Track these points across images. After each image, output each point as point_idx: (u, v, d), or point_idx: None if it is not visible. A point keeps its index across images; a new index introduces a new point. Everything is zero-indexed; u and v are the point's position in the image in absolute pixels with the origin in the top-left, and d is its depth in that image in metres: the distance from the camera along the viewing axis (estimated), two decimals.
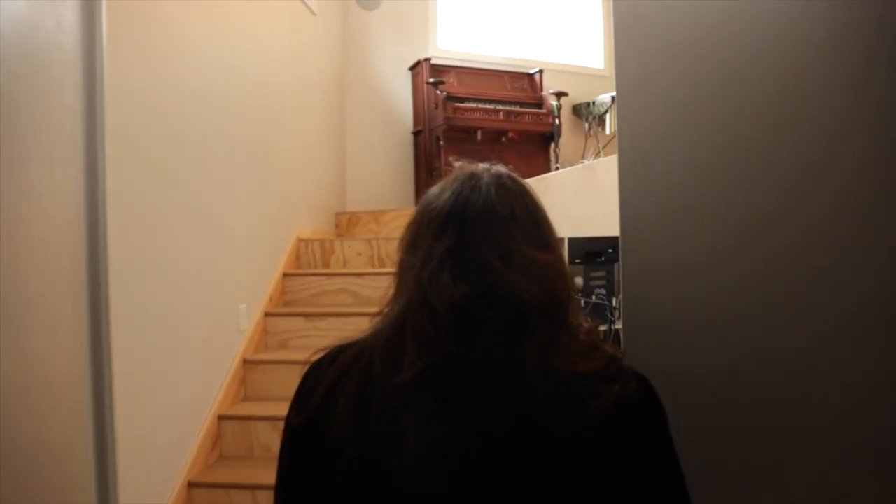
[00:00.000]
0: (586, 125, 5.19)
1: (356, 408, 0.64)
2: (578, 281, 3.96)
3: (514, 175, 0.81)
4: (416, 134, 4.83)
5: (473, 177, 0.76)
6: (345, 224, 4.30)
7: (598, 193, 3.91)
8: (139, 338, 1.98)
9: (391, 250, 3.51)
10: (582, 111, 5.16)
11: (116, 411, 1.03)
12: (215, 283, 2.53)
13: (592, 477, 0.61)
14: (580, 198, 3.82)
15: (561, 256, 0.76)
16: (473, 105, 4.47)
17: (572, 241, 3.95)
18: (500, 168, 0.81)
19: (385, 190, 4.81)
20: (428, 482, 0.61)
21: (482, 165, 0.80)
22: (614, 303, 4.06)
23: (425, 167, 4.66)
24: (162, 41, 2.22)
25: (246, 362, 2.73)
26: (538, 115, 4.64)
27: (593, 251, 4.41)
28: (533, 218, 0.75)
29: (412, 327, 0.66)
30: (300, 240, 3.57)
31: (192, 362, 2.30)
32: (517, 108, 4.62)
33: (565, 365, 0.62)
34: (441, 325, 0.64)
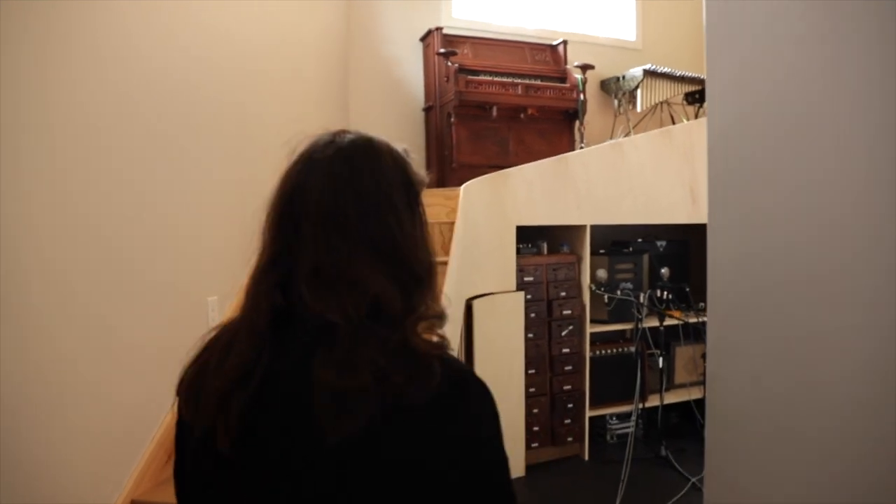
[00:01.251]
0: (615, 102, 4.82)
1: (194, 393, 0.72)
2: (602, 274, 3.59)
3: (364, 144, 0.80)
4: (427, 111, 4.51)
5: (312, 153, 0.79)
6: None
7: (626, 175, 3.54)
8: (80, 342, 1.72)
9: None
10: (611, 86, 4.79)
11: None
12: (179, 274, 2.24)
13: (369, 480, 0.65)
14: (605, 180, 3.46)
15: (407, 251, 0.75)
16: (489, 78, 4.13)
17: (595, 228, 3.57)
18: (348, 137, 0.81)
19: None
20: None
21: (325, 136, 0.81)
22: (642, 299, 3.67)
23: (436, 147, 4.34)
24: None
25: None
26: (561, 89, 4.27)
27: (619, 241, 4.04)
28: (367, 210, 0.74)
29: (240, 329, 0.73)
30: None
31: (145, 365, 2.01)
32: (538, 82, 4.26)
33: (341, 376, 0.64)
34: (258, 332, 0.71)
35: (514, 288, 3.19)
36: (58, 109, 1.76)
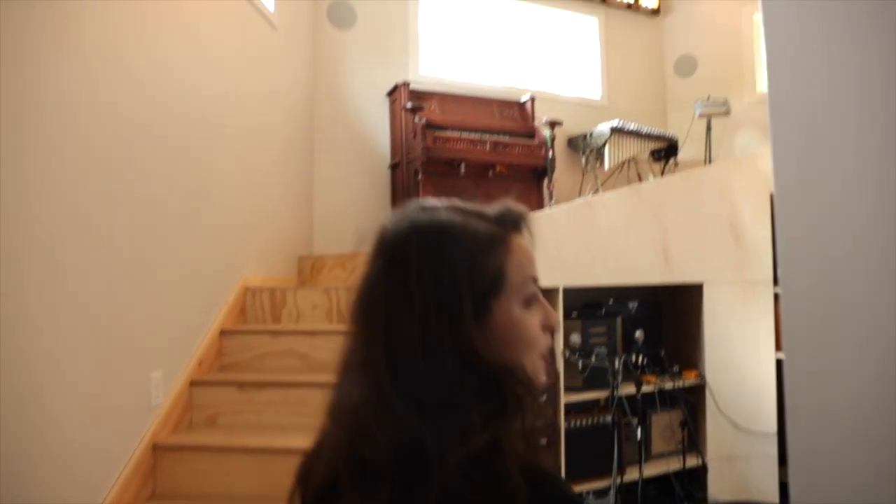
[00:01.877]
0: (583, 159, 4.82)
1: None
2: (576, 339, 3.49)
3: (419, 224, 0.71)
4: (394, 167, 4.43)
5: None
6: (308, 270, 3.84)
7: (597, 235, 3.49)
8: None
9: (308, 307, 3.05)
10: (578, 143, 4.81)
11: None
12: (119, 343, 2.05)
13: None
14: (576, 240, 3.40)
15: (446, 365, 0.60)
16: (456, 134, 4.09)
17: (567, 291, 3.49)
18: (412, 216, 0.73)
19: (348, 228, 4.36)
20: None
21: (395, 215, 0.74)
22: (617, 364, 3.58)
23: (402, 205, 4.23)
24: (78, 46, 1.81)
25: (156, 448, 2.22)
26: (529, 146, 4.26)
27: (592, 303, 3.96)
28: (417, 308, 0.61)
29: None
30: (247, 289, 3.10)
31: (68, 451, 1.80)
32: (506, 139, 4.24)
33: None
34: None
35: None
36: (27, 155, 1.61)
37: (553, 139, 4.28)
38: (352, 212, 4.39)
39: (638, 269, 3.58)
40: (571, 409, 3.48)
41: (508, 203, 0.74)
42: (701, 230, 3.75)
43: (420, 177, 4.00)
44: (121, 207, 2.11)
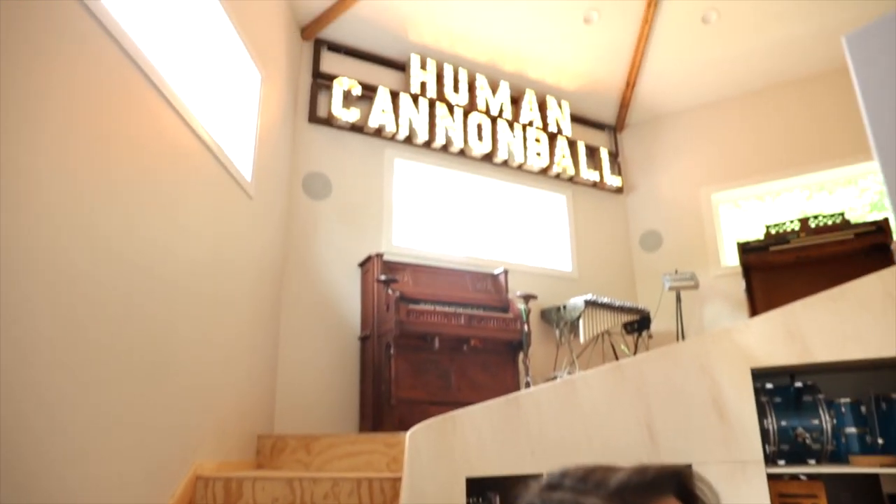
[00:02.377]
0: (557, 332, 4.80)
1: None
2: None
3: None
4: (364, 339, 4.33)
5: None
6: (268, 451, 3.54)
7: (580, 416, 3.34)
8: None
9: (320, 496, 2.75)
10: (552, 316, 4.82)
11: None
12: None
13: None
14: (559, 421, 3.24)
15: None
16: (430, 307, 4.06)
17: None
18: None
19: (322, 409, 4.14)
20: None
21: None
22: None
23: (373, 381, 4.08)
24: (45, 215, 1.75)
25: None
26: (504, 320, 4.23)
27: None
28: None
29: None
30: (198, 478, 2.80)
31: None
32: (480, 312, 4.22)
33: None
34: None
35: None
36: None
37: (528, 313, 4.28)
38: (318, 386, 4.19)
39: (624, 451, 3.40)
40: None
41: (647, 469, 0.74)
42: (685, 407, 3.65)
43: (392, 350, 3.89)
44: (66, 388, 1.93)
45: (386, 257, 4.39)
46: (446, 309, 4.15)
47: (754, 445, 3.71)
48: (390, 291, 4.02)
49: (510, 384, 4.31)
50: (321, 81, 4.81)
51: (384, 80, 5.06)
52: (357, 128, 4.86)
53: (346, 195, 4.70)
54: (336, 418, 4.16)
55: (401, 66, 5.18)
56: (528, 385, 4.07)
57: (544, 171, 5.58)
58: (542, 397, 3.29)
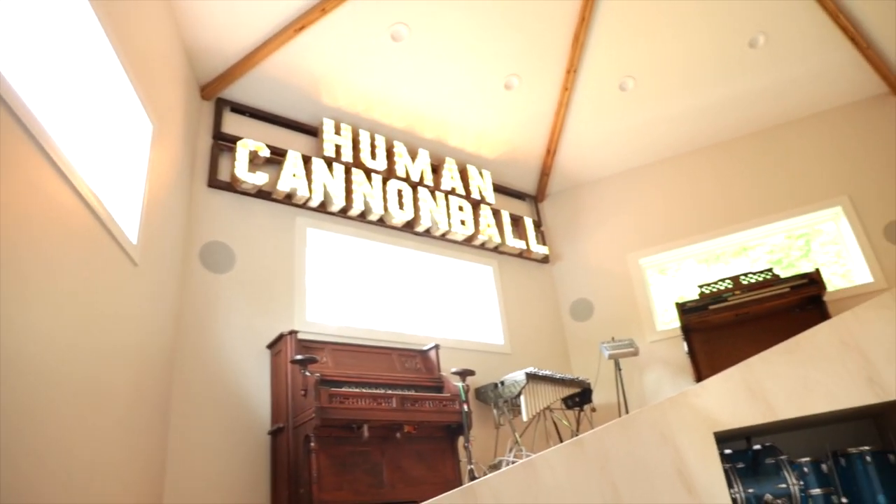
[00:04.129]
0: (495, 412, 4.35)
1: None
2: None
3: None
4: (276, 434, 3.69)
5: None
6: None
7: (544, 501, 2.87)
8: None
9: None
10: (488, 395, 4.39)
11: None
12: None
13: None
14: None
15: None
16: (356, 390, 3.53)
17: None
18: None
19: None
20: None
21: None
22: None
23: (288, 482, 3.43)
24: None
25: None
26: (441, 400, 3.77)
27: None
28: None
29: None
30: None
31: None
32: (412, 393, 3.71)
33: None
34: None
35: None
36: None
37: (467, 390, 3.82)
38: (218, 493, 3.45)
39: None
40: None
41: None
42: (651, 482, 3.27)
43: (313, 444, 3.28)
44: None
45: (301, 335, 3.84)
46: (375, 391, 3.62)
47: None
48: (308, 373, 3.45)
49: (450, 476, 3.77)
50: (223, 143, 4.35)
51: (295, 144, 4.68)
52: (265, 193, 4.39)
53: (251, 268, 4.15)
54: None
55: (313, 131, 4.83)
56: (472, 474, 3.55)
57: (469, 240, 5.30)
58: (500, 485, 2.80)
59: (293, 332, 3.77)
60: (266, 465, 3.71)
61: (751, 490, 3.55)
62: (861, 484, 3.55)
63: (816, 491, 3.60)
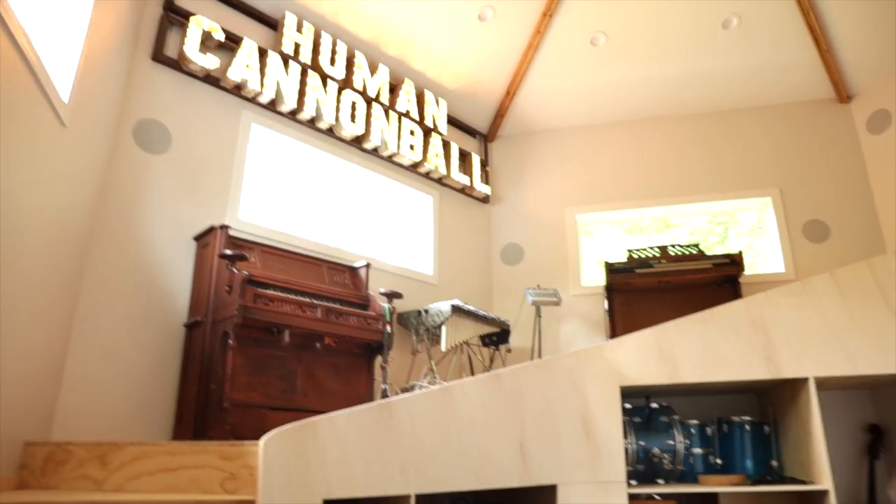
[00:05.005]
0: (414, 339, 4.37)
1: None
2: None
3: None
4: (192, 327, 3.54)
5: None
6: (40, 464, 2.64)
7: (456, 429, 2.93)
8: None
9: None
10: (410, 321, 4.39)
11: None
12: None
13: None
14: (434, 435, 2.80)
15: None
16: (283, 295, 3.42)
17: (420, 499, 2.78)
18: None
19: (127, 411, 3.29)
20: None
21: None
22: None
23: (199, 377, 3.33)
24: None
25: None
26: (366, 318, 3.73)
27: None
28: None
29: None
30: None
31: None
32: (338, 307, 3.65)
33: None
34: None
35: None
36: None
37: (392, 313, 3.80)
38: (123, 382, 3.33)
39: (497, 471, 3.04)
40: None
41: None
42: (556, 424, 3.40)
43: (231, 341, 3.18)
44: None
45: (232, 232, 3.68)
46: (301, 299, 3.53)
47: (618, 466, 3.56)
48: (235, 270, 3.32)
49: (363, 392, 3.79)
50: (173, 16, 3.98)
51: (252, 33, 4.35)
52: (212, 79, 4.08)
53: (187, 154, 3.89)
54: (145, 425, 3.31)
55: (273, 24, 4.50)
56: (384, 393, 3.58)
57: (415, 167, 5.18)
58: (416, 405, 2.82)
59: (225, 227, 3.59)
60: (178, 357, 3.59)
61: (642, 443, 3.77)
62: (736, 448, 3.84)
63: (698, 450, 3.87)
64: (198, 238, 3.76)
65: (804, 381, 3.68)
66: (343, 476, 2.43)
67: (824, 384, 3.98)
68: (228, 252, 3.35)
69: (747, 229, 5.42)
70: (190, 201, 3.85)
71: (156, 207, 3.70)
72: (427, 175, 5.32)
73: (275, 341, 3.41)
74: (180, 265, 3.71)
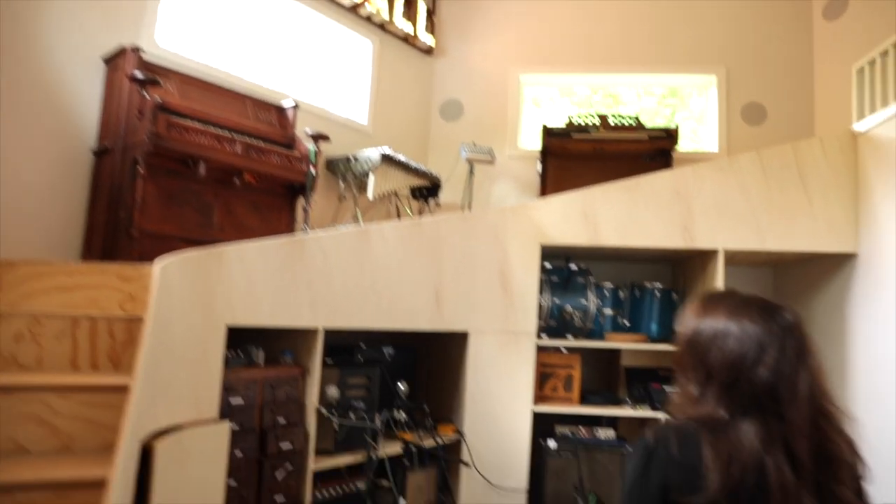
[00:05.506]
0: (342, 186, 4.27)
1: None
2: (333, 392, 2.84)
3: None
4: (101, 154, 3.34)
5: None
6: None
7: (370, 270, 2.94)
8: None
9: (9, 338, 1.97)
10: (339, 167, 4.28)
11: None
12: None
13: None
14: (347, 274, 2.81)
15: None
16: (199, 125, 3.22)
17: (329, 333, 2.85)
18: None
19: (28, 233, 3.13)
20: None
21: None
22: (377, 422, 3.01)
23: (107, 205, 3.18)
24: None
25: None
26: (289, 157, 3.60)
27: (340, 346, 3.36)
28: None
29: None
30: None
31: None
32: (261, 144, 3.48)
33: None
34: None
35: (215, 415, 2.23)
36: None
37: (318, 155, 3.67)
38: (24, 204, 3.15)
39: (410, 313, 3.12)
40: (319, 476, 2.79)
41: None
42: (473, 275, 3.47)
43: (141, 169, 3.02)
44: None
45: (146, 57, 3.36)
46: (220, 132, 3.34)
47: (530, 319, 3.72)
48: (147, 95, 3.07)
49: (283, 232, 3.73)
50: None
51: None
52: None
53: None
54: (48, 248, 3.18)
55: None
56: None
57: (355, 9, 4.80)
58: (330, 244, 2.78)
59: (136, 49, 3.29)
60: (86, 184, 3.40)
61: (557, 301, 3.93)
62: (644, 312, 4.06)
63: (609, 311, 4.08)
64: (108, 61, 3.43)
65: (714, 252, 3.85)
66: (249, 306, 2.42)
67: (734, 258, 4.18)
68: (139, 75, 3.08)
69: (695, 115, 5.39)
70: (100, 17, 3.46)
71: (63, 21, 3.31)
72: (368, 19, 4.94)
73: (190, 174, 3.26)
74: (87, 88, 3.40)
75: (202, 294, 2.22)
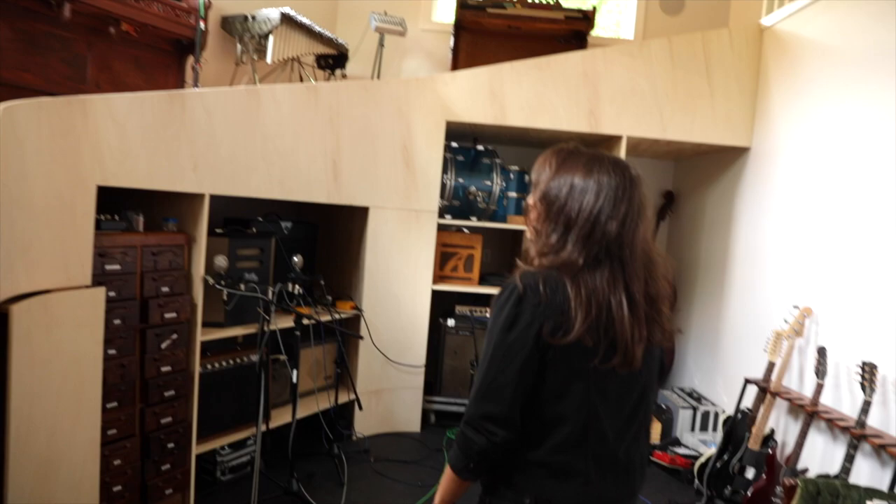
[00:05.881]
0: (239, 48, 3.93)
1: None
2: (221, 262, 2.74)
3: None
4: None
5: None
6: None
7: (261, 135, 2.76)
8: None
9: None
10: (236, 27, 3.92)
11: None
12: None
13: None
14: (235, 137, 2.63)
15: None
16: None
17: (215, 199, 2.71)
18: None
19: None
20: None
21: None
22: (270, 295, 2.96)
23: None
24: None
25: None
26: (174, 7, 3.23)
27: (235, 218, 3.23)
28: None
29: None
30: None
31: None
32: None
33: None
34: None
35: (88, 282, 2.10)
36: None
37: (207, 7, 3.31)
38: None
39: (305, 185, 2.99)
40: (209, 348, 2.76)
41: None
42: (374, 149, 3.35)
43: None
44: None
45: None
46: None
47: (433, 197, 3.68)
48: None
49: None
50: None
51: None
52: None
53: None
54: None
55: None
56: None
57: None
58: (215, 102, 2.56)
59: None
60: None
61: (461, 180, 3.90)
62: None
63: (513, 194, 4.11)
64: None
65: (619, 138, 3.90)
66: (123, 165, 2.22)
67: (637, 148, 4.26)
68: None
69: (617, 6, 5.24)
70: None
71: None
72: None
73: (54, 17, 2.85)
74: None
75: (64, 148, 2.00)
